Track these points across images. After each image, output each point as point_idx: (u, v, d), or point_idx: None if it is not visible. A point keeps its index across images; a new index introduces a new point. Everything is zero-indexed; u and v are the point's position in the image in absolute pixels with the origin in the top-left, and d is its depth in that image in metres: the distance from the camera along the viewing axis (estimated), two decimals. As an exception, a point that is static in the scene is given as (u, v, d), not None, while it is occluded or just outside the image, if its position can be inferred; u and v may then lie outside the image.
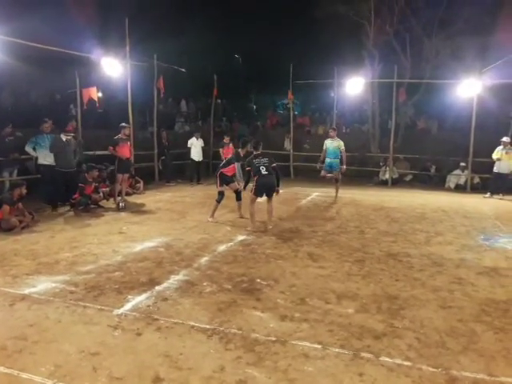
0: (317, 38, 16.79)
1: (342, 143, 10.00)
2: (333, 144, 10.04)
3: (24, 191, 7.30)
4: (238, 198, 8.00)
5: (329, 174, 10.24)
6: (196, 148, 12.98)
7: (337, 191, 10.39)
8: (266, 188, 7.05)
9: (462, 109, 14.26)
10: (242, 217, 7.97)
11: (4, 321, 3.61)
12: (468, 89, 12.37)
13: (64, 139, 8.50)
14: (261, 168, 6.93)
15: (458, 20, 14.10)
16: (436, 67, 14.80)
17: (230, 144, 12.46)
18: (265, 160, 7.03)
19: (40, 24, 10.32)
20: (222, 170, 7.71)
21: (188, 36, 17.48)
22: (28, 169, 9.93)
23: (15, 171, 9.45)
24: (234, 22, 20.42)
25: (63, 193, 8.55)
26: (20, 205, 7.23)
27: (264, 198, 7.31)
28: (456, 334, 3.45)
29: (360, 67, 15.14)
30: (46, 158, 8.69)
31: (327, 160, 10.12)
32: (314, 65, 16.36)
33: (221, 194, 7.67)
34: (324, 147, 10.19)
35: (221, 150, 12.50)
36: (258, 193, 7.07)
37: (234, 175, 7.98)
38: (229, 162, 7.82)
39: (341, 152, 9.93)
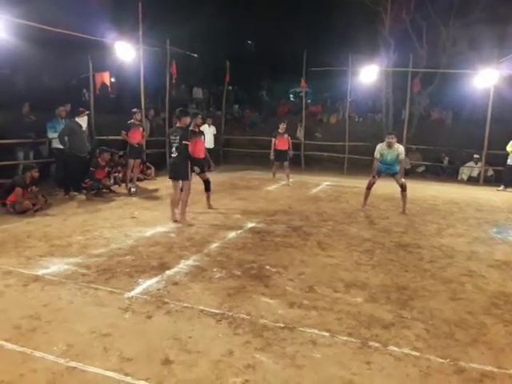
0: (331, 24, 16.59)
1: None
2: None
3: (36, 174, 7.33)
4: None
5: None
6: (207, 135, 12.92)
7: None
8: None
9: (477, 100, 14.00)
10: None
11: (18, 300, 3.68)
12: (485, 79, 12.13)
13: (81, 123, 8.52)
14: None
15: (475, 8, 13.76)
16: (452, 56, 14.52)
17: (286, 134, 10.86)
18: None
19: (53, 7, 10.34)
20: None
21: (201, 21, 17.33)
22: (41, 152, 10.02)
23: (31, 153, 9.50)
24: (248, 7, 20.19)
25: (76, 177, 8.60)
26: (34, 188, 7.32)
27: None
28: (465, 326, 3.44)
29: (375, 55, 14.91)
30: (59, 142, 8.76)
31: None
32: (328, 52, 16.10)
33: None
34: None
35: (273, 139, 10.79)
36: None
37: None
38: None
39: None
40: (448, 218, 7.57)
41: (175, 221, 6.56)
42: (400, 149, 7.70)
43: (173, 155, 6.46)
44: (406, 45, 14.73)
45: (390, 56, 15.08)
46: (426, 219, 7.44)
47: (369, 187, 8.11)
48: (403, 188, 7.81)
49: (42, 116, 9.62)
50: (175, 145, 6.34)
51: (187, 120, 6.57)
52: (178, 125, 6.48)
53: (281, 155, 10.74)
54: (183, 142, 6.29)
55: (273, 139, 10.79)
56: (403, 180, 7.86)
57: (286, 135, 10.84)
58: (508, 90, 12.64)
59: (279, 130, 10.78)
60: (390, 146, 7.68)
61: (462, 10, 14.15)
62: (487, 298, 4.02)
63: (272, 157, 10.80)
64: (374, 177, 7.96)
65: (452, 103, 16.65)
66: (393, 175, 7.91)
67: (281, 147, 10.70)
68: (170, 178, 6.68)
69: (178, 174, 6.50)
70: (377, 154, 7.80)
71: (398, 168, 7.81)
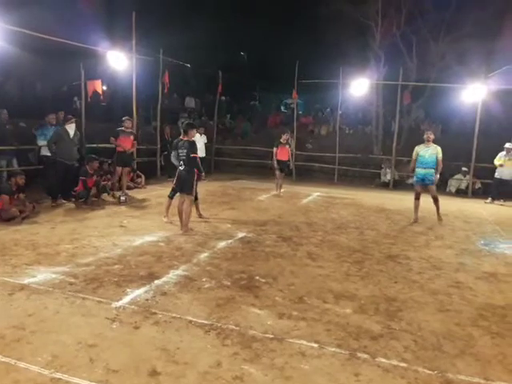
0: (323, 37, 16.72)
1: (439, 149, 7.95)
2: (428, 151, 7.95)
3: (21, 181, 7.24)
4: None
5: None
6: (199, 144, 12.87)
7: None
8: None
9: (466, 114, 14.24)
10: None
11: (3, 310, 3.61)
12: (473, 94, 12.35)
13: (69, 131, 8.48)
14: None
15: (465, 24, 14.04)
16: (441, 71, 14.75)
17: (287, 145, 11.03)
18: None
19: (47, 15, 10.34)
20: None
21: (194, 31, 17.46)
22: (30, 159, 9.93)
23: (14, 160, 9.38)
24: (241, 18, 20.34)
25: (64, 185, 8.51)
26: (21, 195, 7.24)
27: None
28: (453, 338, 3.45)
29: (365, 68, 15.11)
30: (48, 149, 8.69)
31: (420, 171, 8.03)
32: (320, 64, 16.29)
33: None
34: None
35: (275, 149, 10.76)
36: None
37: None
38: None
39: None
40: (436, 230, 7.63)
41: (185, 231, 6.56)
42: (438, 148, 7.94)
43: (180, 168, 6.56)
44: (396, 58, 14.96)
45: (380, 69, 15.30)
46: (414, 230, 7.49)
47: (417, 197, 8.20)
48: (435, 199, 8.11)
49: (34, 123, 9.58)
50: (182, 157, 6.47)
51: (194, 133, 6.79)
52: (185, 138, 6.53)
53: (281, 165, 10.81)
54: (191, 155, 6.41)
55: (274, 149, 10.80)
56: (435, 192, 8.11)
57: (287, 146, 10.96)
58: (495, 104, 12.88)
59: (281, 140, 10.81)
60: (427, 141, 7.95)
61: (452, 25, 14.43)
62: (475, 310, 4.05)
63: (276, 166, 10.78)
64: (416, 190, 8.17)
65: (441, 117, 16.92)
66: (427, 186, 8.06)
67: (282, 157, 10.77)
68: (175, 188, 6.89)
69: (184, 186, 6.57)
70: (414, 155, 8.06)
71: (433, 177, 7.96)
